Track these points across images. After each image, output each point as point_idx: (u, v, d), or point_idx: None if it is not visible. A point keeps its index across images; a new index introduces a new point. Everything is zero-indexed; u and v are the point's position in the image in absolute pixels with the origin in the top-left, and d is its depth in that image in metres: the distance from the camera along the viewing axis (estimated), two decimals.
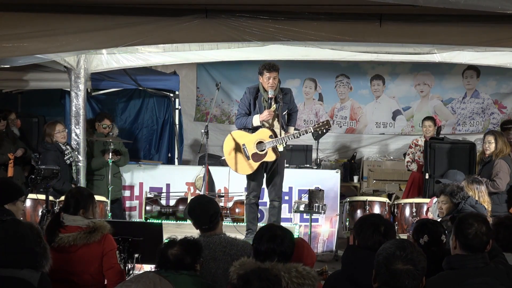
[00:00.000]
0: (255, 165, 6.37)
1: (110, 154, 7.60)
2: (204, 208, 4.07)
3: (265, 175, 6.55)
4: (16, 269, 2.98)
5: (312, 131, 6.43)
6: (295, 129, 6.58)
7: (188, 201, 7.93)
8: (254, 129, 6.40)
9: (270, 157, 6.34)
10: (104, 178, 7.75)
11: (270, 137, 6.30)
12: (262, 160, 6.36)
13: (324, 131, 6.47)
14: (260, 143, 6.33)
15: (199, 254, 3.65)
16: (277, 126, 6.38)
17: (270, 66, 6.27)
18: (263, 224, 6.91)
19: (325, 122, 6.44)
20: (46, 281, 3.08)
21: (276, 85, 6.29)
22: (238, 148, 6.40)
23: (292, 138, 6.42)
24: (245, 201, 6.75)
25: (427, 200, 7.00)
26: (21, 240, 3.04)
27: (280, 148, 6.37)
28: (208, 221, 4.01)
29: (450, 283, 3.18)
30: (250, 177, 6.53)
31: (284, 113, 6.44)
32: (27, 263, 3.02)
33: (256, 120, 6.35)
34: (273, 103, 6.31)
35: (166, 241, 3.75)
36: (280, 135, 6.32)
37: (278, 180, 6.54)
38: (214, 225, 4.04)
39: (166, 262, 3.55)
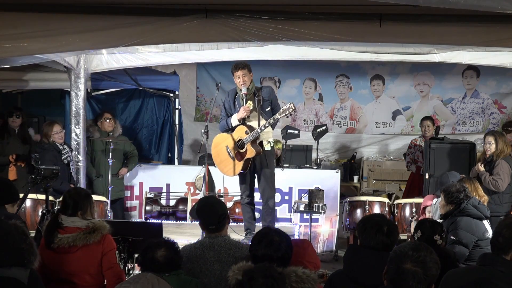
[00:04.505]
0: (242, 163, 6.36)
1: (110, 156, 7.61)
2: (213, 208, 4.07)
3: (255, 175, 6.55)
4: (4, 268, 2.99)
5: (279, 116, 6.21)
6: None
7: (189, 201, 7.97)
8: (234, 129, 6.42)
9: (250, 152, 6.30)
10: (104, 177, 7.75)
11: (246, 132, 6.29)
12: (246, 157, 6.34)
13: (289, 112, 6.22)
14: (239, 141, 6.35)
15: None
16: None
17: (236, 65, 6.34)
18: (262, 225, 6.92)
19: (288, 106, 6.19)
20: (36, 277, 3.10)
21: (247, 82, 6.30)
22: (223, 151, 6.44)
23: (265, 128, 6.23)
24: (240, 202, 6.75)
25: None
26: (6, 238, 3.04)
27: (267, 147, 6.36)
28: (216, 221, 4.01)
29: (471, 276, 3.05)
30: (240, 179, 6.55)
31: (267, 109, 6.41)
32: (15, 261, 3.03)
33: (234, 119, 6.38)
34: (248, 99, 6.31)
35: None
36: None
37: (270, 179, 6.51)
38: (221, 226, 4.04)
39: (156, 266, 3.55)
